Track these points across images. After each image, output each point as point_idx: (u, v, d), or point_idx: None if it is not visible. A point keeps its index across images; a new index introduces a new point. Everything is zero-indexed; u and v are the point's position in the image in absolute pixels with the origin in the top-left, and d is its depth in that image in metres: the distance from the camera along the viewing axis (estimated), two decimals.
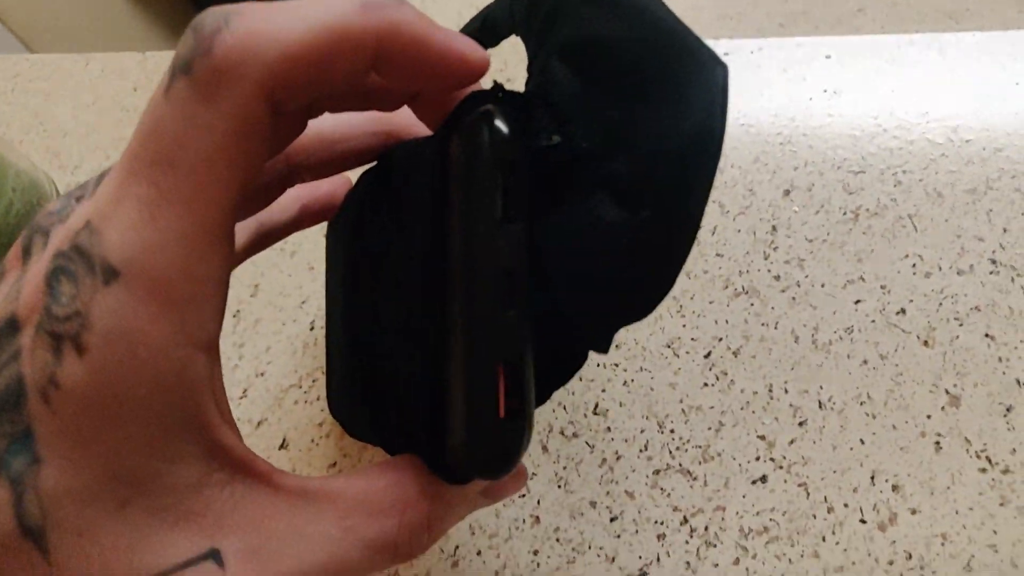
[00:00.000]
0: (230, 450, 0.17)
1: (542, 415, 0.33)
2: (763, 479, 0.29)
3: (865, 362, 0.32)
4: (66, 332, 0.15)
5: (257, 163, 0.16)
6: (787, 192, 0.37)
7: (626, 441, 0.31)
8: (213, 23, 0.15)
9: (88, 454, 0.15)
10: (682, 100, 0.17)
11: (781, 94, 0.40)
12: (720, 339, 0.33)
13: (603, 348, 0.18)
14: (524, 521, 0.31)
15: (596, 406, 0.33)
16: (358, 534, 0.18)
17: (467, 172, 0.17)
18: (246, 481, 0.17)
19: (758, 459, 0.30)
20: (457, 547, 0.31)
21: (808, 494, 0.29)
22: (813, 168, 0.37)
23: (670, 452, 0.31)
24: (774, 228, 0.36)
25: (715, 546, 0.28)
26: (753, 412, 0.31)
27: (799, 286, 0.34)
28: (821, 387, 0.31)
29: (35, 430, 0.15)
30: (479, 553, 0.31)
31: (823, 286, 0.34)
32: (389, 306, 0.21)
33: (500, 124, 0.17)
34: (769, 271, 0.35)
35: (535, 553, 0.30)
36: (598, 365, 0.33)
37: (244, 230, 0.26)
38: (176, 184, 0.15)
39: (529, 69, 0.20)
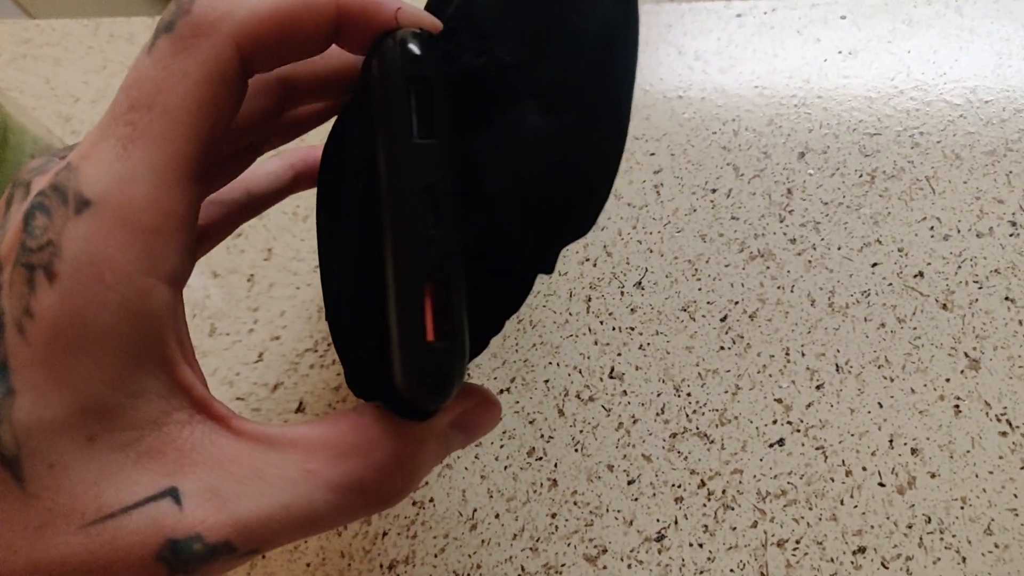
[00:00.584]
0: (189, 389, 0.17)
1: (557, 379, 0.32)
2: (780, 442, 0.29)
3: (883, 325, 0.31)
4: (39, 262, 0.15)
5: (227, 111, 0.17)
6: (802, 155, 0.35)
7: (643, 405, 0.31)
8: None
9: (58, 385, 0.15)
10: (595, 9, 0.17)
11: (795, 56, 0.39)
12: (736, 302, 0.32)
13: (547, 268, 0.18)
14: (542, 485, 0.30)
15: (612, 370, 0.32)
16: (321, 477, 0.17)
17: (381, 92, 0.17)
18: (206, 423, 0.17)
19: (775, 422, 0.29)
20: (475, 510, 0.30)
21: (826, 457, 0.28)
22: (828, 130, 0.36)
23: (687, 416, 0.30)
24: (789, 191, 0.34)
25: (732, 509, 0.28)
26: (770, 376, 0.30)
27: (815, 249, 0.33)
28: (838, 351, 0.30)
29: (10, 362, 0.15)
30: (497, 516, 0.30)
31: (839, 249, 0.33)
32: (340, 242, 0.20)
33: (411, 44, 0.17)
34: (785, 234, 0.33)
35: (553, 516, 0.29)
36: (614, 329, 0.32)
37: (232, 197, 0.26)
38: (150, 122, 0.16)
39: None
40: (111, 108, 0.16)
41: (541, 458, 0.31)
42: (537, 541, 0.29)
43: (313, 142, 0.33)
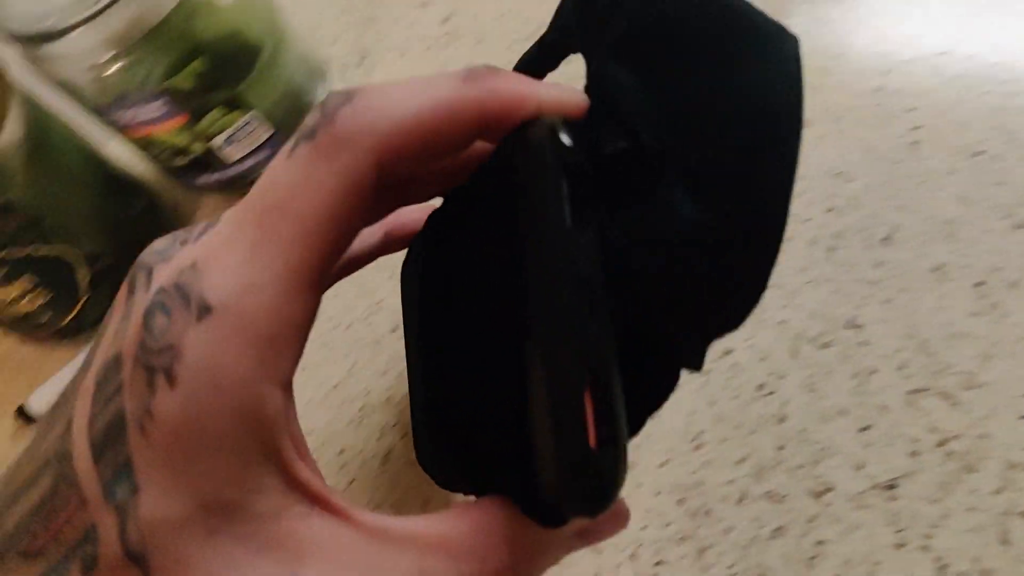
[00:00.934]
0: (306, 484, 0.17)
1: (793, 322, 0.33)
2: None
3: None
4: (159, 364, 0.16)
5: (357, 222, 0.17)
6: None
7: (883, 357, 0.31)
8: (338, 99, 0.16)
9: (179, 483, 0.16)
10: (745, 77, 0.15)
11: None
12: (997, 269, 0.31)
13: (696, 364, 0.17)
14: (770, 418, 0.31)
15: (852, 319, 0.32)
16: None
17: (533, 184, 0.16)
18: (323, 515, 0.17)
19: None
20: (701, 432, 0.32)
21: None
22: None
23: (930, 374, 0.30)
24: None
25: (976, 472, 0.28)
26: None
27: None
28: None
29: (134, 460, 0.16)
30: (723, 441, 0.31)
31: None
32: (464, 339, 0.19)
33: (561, 134, 0.16)
34: None
35: (779, 449, 0.31)
36: (856, 281, 0.33)
37: None
38: (281, 228, 0.16)
39: (588, 78, 0.19)
40: (244, 205, 0.16)
41: (771, 394, 0.32)
42: (761, 469, 0.30)
43: None
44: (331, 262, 0.17)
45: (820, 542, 0.29)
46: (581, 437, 0.14)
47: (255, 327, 0.16)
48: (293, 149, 0.16)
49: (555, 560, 0.19)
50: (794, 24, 0.38)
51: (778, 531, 0.29)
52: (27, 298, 0.39)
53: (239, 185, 0.46)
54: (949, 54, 0.37)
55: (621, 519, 0.20)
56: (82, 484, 0.16)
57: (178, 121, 0.40)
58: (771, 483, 0.30)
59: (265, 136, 0.44)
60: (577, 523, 0.18)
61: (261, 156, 0.45)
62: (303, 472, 0.17)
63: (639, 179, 0.17)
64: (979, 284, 0.31)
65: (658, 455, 0.32)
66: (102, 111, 0.40)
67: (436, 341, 0.20)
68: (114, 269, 0.43)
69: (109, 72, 0.38)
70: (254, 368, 0.16)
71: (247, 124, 0.42)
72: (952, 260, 0.32)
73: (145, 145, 0.42)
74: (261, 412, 0.16)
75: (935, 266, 0.32)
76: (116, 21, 0.36)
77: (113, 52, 0.37)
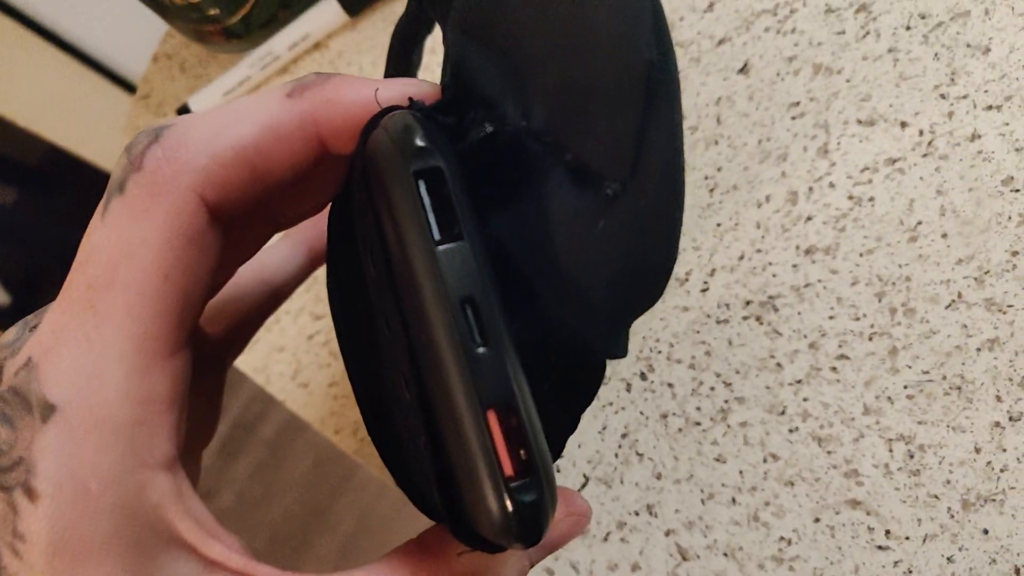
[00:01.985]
0: (224, 563, 0.15)
1: None
2: None
3: None
4: (14, 482, 0.14)
5: (202, 270, 0.15)
6: None
7: None
8: (144, 140, 0.14)
9: None
10: (605, 37, 0.14)
11: None
12: None
13: (619, 352, 0.16)
14: (1010, 218, 0.27)
15: None
16: None
17: (385, 198, 0.14)
18: None
19: None
20: (919, 223, 0.28)
21: None
22: None
23: None
24: None
25: None
26: None
27: None
28: None
29: None
30: (944, 236, 0.28)
31: None
32: (374, 362, 0.17)
33: (412, 133, 0.14)
34: None
35: (1014, 254, 0.27)
36: None
37: (250, 293, 0.23)
38: (112, 304, 0.14)
39: (444, 59, 0.17)
40: (68, 287, 0.14)
41: (1019, 191, 0.27)
42: (986, 274, 0.27)
43: None
44: (188, 317, 0.15)
45: None
46: (494, 470, 0.13)
47: (110, 416, 0.14)
48: (105, 208, 0.14)
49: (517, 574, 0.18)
50: None
51: (990, 343, 0.26)
52: None
53: None
54: None
55: (581, 522, 0.19)
56: None
57: None
58: (994, 289, 0.26)
59: None
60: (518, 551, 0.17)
61: None
62: (214, 550, 0.15)
63: (514, 163, 0.15)
64: None
65: (865, 243, 0.28)
66: None
67: (356, 356, 0.19)
68: None
69: None
70: (122, 459, 0.14)
71: None
72: None
73: None
74: (145, 503, 0.14)
75: None
76: None
77: None
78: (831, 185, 0.30)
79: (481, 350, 0.13)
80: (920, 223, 0.28)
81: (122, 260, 0.14)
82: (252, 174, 0.15)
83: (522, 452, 0.13)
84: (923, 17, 0.30)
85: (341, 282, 0.18)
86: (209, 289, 0.16)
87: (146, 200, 0.14)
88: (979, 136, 0.28)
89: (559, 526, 0.18)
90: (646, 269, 0.15)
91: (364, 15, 0.42)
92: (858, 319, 0.28)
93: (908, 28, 0.30)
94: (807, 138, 0.31)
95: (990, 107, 0.28)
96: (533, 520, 0.13)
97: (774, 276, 0.30)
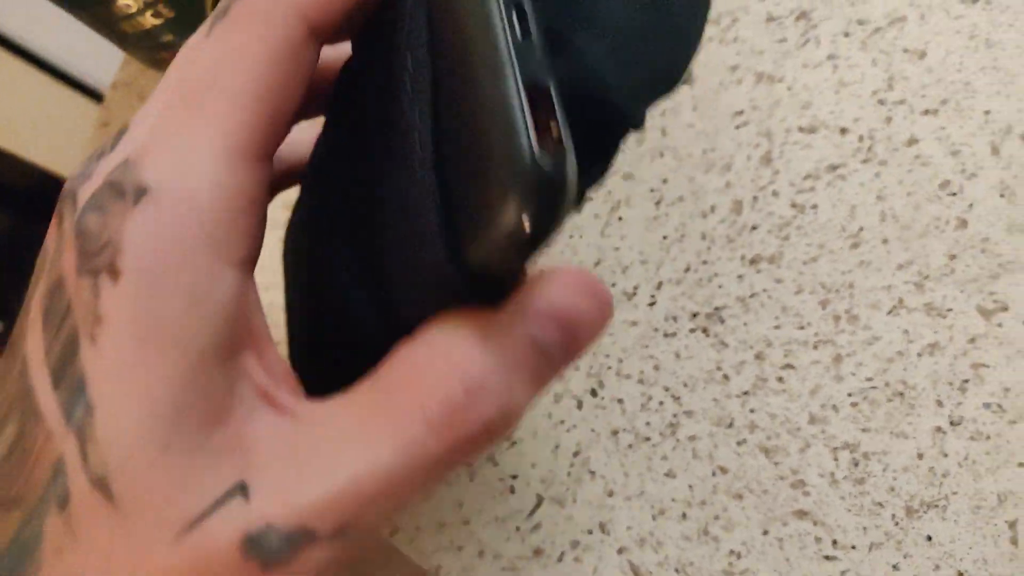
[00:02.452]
0: (252, 378, 0.16)
1: (1001, 112, 0.28)
2: None
3: None
4: (101, 265, 0.14)
5: (294, 85, 0.16)
6: None
7: None
8: None
9: (130, 393, 0.14)
10: None
11: None
12: None
13: (638, 123, 0.17)
14: (948, 222, 0.27)
15: None
16: (383, 431, 0.15)
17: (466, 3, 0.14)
18: (269, 414, 0.16)
19: None
20: (861, 229, 0.28)
21: None
22: None
23: None
24: None
25: None
26: None
27: None
28: None
29: (87, 375, 0.14)
30: (885, 241, 0.28)
31: None
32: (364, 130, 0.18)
33: None
34: None
35: (951, 257, 0.27)
36: None
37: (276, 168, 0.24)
38: (212, 103, 0.15)
39: None
40: (163, 92, 0.15)
41: (955, 194, 0.28)
42: (925, 278, 0.27)
43: None
44: (275, 132, 0.16)
45: (979, 365, 0.26)
46: (524, 137, 0.13)
47: (197, 203, 0.15)
48: (209, 30, 0.15)
49: (539, 374, 0.16)
50: None
51: (931, 347, 0.26)
52: (150, 11, 0.37)
53: None
54: None
55: (595, 296, 0.16)
56: (45, 415, 0.15)
57: None
58: (934, 294, 0.27)
59: None
60: (527, 299, 0.16)
61: None
62: (250, 364, 0.16)
63: None
64: None
65: (808, 250, 0.29)
66: None
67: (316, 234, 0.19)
68: None
69: None
70: (201, 246, 0.15)
71: None
72: None
73: None
74: (214, 293, 0.15)
75: None
76: None
77: None
78: (775, 193, 0.30)
79: (524, 41, 0.14)
80: (861, 229, 0.28)
81: (226, 64, 0.15)
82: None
83: (550, 136, 0.13)
84: (861, 23, 0.31)
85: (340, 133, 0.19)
86: (296, 110, 0.17)
87: (249, 17, 0.15)
88: (916, 141, 0.29)
89: (569, 300, 0.16)
90: (672, 49, 0.17)
91: None
92: (803, 328, 0.28)
93: (847, 35, 0.31)
94: (750, 147, 0.31)
95: (927, 111, 0.29)
96: (557, 188, 0.13)
97: (720, 287, 0.30)
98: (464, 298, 0.15)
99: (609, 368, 0.30)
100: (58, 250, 0.16)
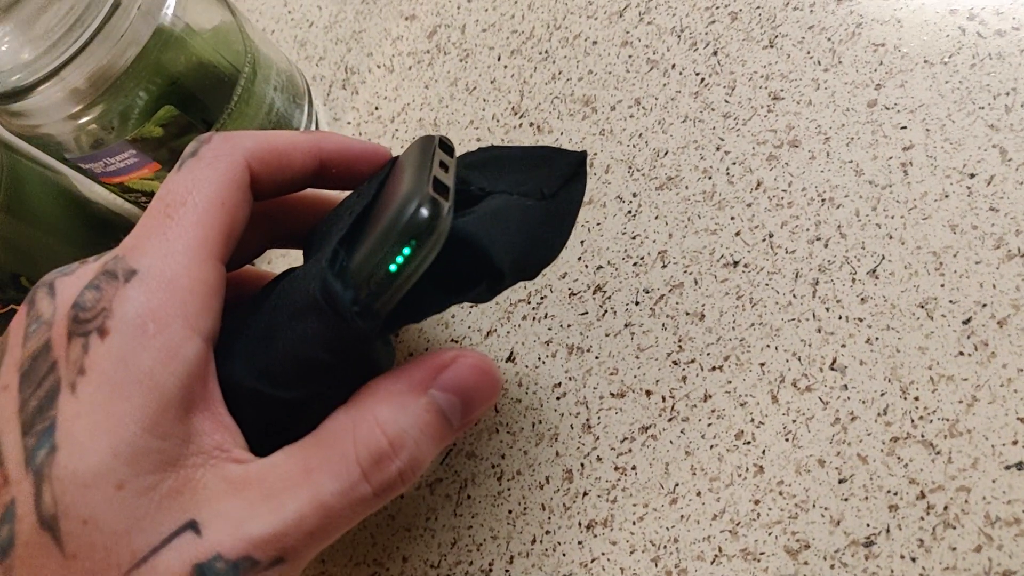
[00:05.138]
0: (210, 434, 0.20)
1: (774, 364, 0.33)
2: (1020, 466, 0.29)
3: None
4: (93, 327, 0.19)
5: (242, 210, 0.23)
6: None
7: (863, 403, 0.31)
8: (206, 134, 0.24)
9: (97, 432, 0.18)
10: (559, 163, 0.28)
11: None
12: (984, 305, 0.31)
13: (497, 280, 0.24)
14: (747, 469, 0.32)
15: (834, 361, 0.32)
16: (321, 472, 0.20)
17: (414, 148, 0.25)
18: (219, 464, 0.20)
19: (1015, 443, 0.29)
20: (677, 485, 0.33)
21: None
22: None
23: (912, 421, 0.30)
24: None
25: (954, 528, 0.28)
26: (1015, 391, 0.30)
27: None
28: None
29: (57, 420, 0.18)
30: (699, 494, 0.32)
31: None
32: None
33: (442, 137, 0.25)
34: None
35: (756, 503, 0.31)
36: (840, 318, 0.33)
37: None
38: (184, 214, 0.21)
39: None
40: (150, 211, 0.22)
41: (749, 442, 0.32)
42: (737, 525, 0.31)
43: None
44: (229, 240, 0.22)
45: None
46: (427, 172, 0.22)
47: (175, 281, 0.20)
48: (181, 165, 0.23)
49: (437, 429, 0.22)
50: (786, 32, 0.38)
51: None
52: None
53: None
54: (949, 64, 0.37)
55: (483, 374, 0.23)
56: (5, 461, 0.18)
57: (150, 169, 0.42)
58: (747, 540, 0.31)
59: None
60: (418, 369, 0.22)
61: None
62: (205, 422, 0.20)
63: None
64: (967, 321, 0.31)
65: (635, 510, 0.33)
66: (77, 162, 0.42)
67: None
68: None
69: (81, 123, 0.40)
70: (178, 316, 0.19)
71: None
72: (940, 295, 0.32)
73: (122, 191, 0.45)
74: (182, 353, 0.19)
75: (922, 301, 0.32)
76: (81, 73, 0.38)
77: (82, 104, 0.39)
78: (598, 459, 0.34)
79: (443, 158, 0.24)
80: (677, 484, 0.33)
81: (194, 188, 0.22)
82: (278, 161, 0.24)
83: (445, 175, 0.22)
84: (647, 292, 0.36)
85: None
86: (239, 235, 0.23)
87: (211, 157, 0.23)
88: (710, 396, 0.34)
89: (459, 371, 0.22)
90: (545, 245, 0.26)
91: None
92: None
93: (637, 303, 0.36)
94: (572, 416, 0.36)
95: (714, 368, 0.34)
96: (432, 211, 0.20)
97: (564, 555, 0.33)
98: (348, 322, 0.21)
99: None
100: (35, 327, 0.20)
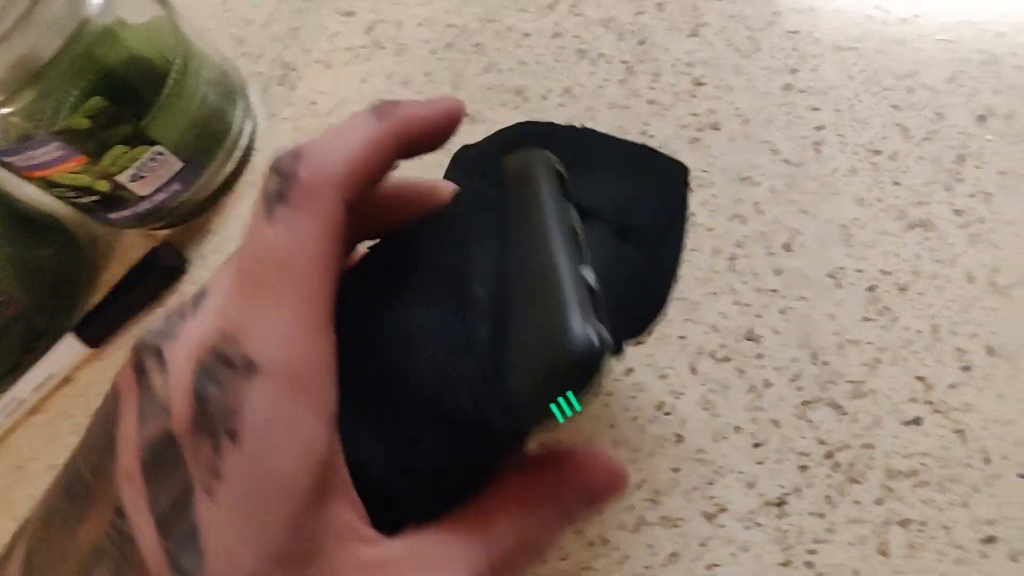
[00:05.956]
0: (341, 516, 0.20)
1: (693, 336, 0.35)
2: (917, 421, 0.30)
3: None
4: (222, 428, 0.18)
5: (340, 259, 0.21)
6: (982, 118, 0.36)
7: (776, 370, 0.33)
8: (289, 159, 0.20)
9: (243, 539, 0.18)
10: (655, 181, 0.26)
11: (991, 7, 0.38)
12: (887, 273, 0.33)
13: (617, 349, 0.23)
14: (667, 439, 0.33)
15: (750, 331, 0.34)
16: (458, 563, 0.20)
17: (527, 175, 0.22)
18: (354, 547, 0.20)
19: (914, 400, 0.31)
20: None
21: (965, 442, 0.30)
22: (1018, 93, 0.36)
23: (820, 385, 0.32)
24: (962, 157, 0.35)
25: (859, 483, 0.30)
26: (915, 352, 0.32)
27: (983, 223, 0.34)
28: (994, 332, 0.32)
29: (200, 527, 0.18)
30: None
31: (1011, 224, 0.33)
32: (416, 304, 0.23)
33: (549, 154, 0.23)
34: (951, 204, 0.34)
35: (675, 471, 0.33)
36: (756, 291, 0.35)
37: None
38: (293, 284, 0.19)
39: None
40: (240, 272, 0.20)
41: (669, 413, 0.34)
42: (658, 493, 0.33)
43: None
44: (333, 298, 0.21)
45: (712, 565, 0.31)
46: (588, 302, 0.19)
47: (297, 374, 0.19)
48: (270, 213, 0.20)
49: (560, 524, 0.22)
50: (708, 21, 0.40)
51: (672, 557, 0.31)
52: None
53: (156, 217, 0.48)
54: (857, 49, 0.39)
55: (613, 476, 0.22)
56: (148, 563, 0.18)
57: (77, 162, 0.43)
58: (667, 507, 0.32)
59: (177, 168, 0.47)
60: (551, 471, 0.22)
61: (175, 187, 0.47)
62: (338, 503, 0.20)
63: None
64: (871, 288, 0.33)
65: None
66: (1, 155, 0.43)
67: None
68: (28, 312, 0.46)
69: (3, 113, 0.41)
70: (304, 410, 0.19)
71: (154, 158, 0.45)
72: (848, 264, 0.34)
73: (48, 186, 0.45)
74: (316, 450, 0.19)
75: (831, 272, 0.34)
76: (2, 61, 0.39)
77: (4, 94, 0.39)
78: None
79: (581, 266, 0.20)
80: None
81: (295, 248, 0.19)
82: (367, 176, 0.21)
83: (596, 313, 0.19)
84: None
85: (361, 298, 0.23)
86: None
87: (307, 204, 0.19)
88: (633, 370, 0.35)
89: (593, 473, 0.22)
90: (645, 305, 0.24)
91: (107, 345, 0.48)
92: (564, 559, 0.33)
93: None
94: None
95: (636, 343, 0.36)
96: (598, 351, 0.18)
97: None
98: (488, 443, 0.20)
99: None
100: (150, 405, 0.19)
